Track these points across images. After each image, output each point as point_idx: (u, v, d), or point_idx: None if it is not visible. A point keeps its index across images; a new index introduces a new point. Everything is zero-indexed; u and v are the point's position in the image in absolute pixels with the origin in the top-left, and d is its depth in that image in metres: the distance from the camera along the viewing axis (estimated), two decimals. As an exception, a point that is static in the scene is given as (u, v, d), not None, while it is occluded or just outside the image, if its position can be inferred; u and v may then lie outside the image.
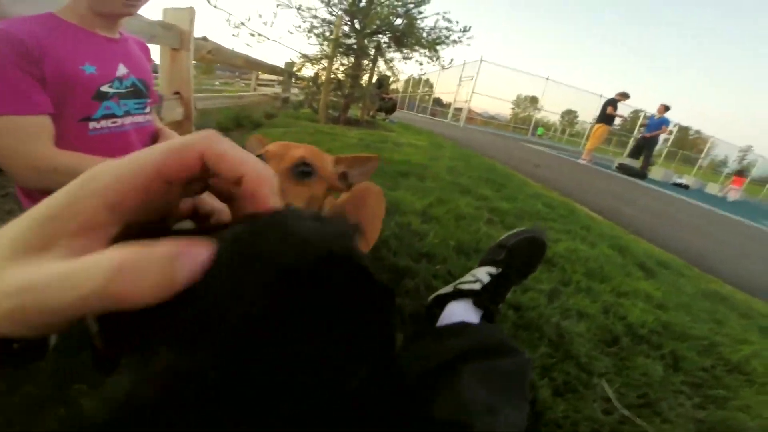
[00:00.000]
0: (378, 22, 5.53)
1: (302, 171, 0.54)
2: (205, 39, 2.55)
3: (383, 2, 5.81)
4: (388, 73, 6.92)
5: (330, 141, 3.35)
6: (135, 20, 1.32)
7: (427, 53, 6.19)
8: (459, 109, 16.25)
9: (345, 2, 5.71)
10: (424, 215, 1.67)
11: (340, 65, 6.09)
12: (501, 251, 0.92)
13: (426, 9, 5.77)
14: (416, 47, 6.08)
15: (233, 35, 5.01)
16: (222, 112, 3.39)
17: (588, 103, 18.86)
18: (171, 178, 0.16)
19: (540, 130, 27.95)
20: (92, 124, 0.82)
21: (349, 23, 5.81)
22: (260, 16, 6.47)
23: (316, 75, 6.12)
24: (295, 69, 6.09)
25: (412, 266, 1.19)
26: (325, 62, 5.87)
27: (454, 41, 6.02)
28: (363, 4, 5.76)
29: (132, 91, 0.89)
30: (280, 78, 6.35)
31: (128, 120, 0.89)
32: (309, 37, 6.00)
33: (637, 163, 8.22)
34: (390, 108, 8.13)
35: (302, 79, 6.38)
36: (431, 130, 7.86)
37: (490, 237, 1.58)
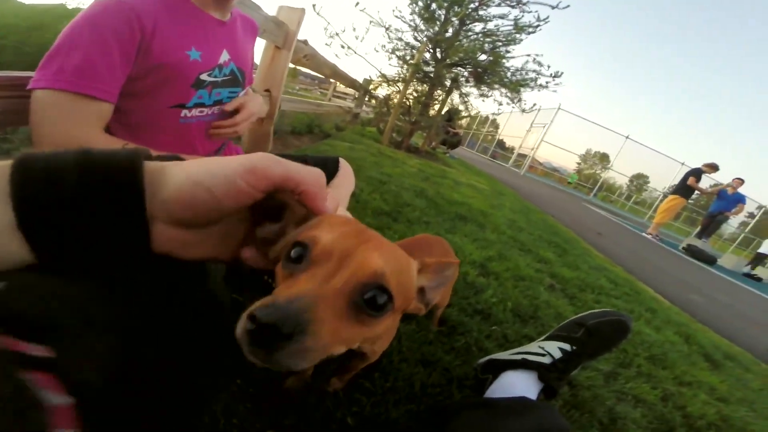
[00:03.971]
0: (461, 54, 5.45)
1: (374, 301, 0.27)
2: (305, 43, 2.68)
3: (470, 36, 5.77)
4: (461, 107, 6.90)
5: (391, 165, 3.35)
6: (254, 12, 1.35)
7: (509, 94, 6.04)
8: (522, 156, 15.80)
9: (431, 30, 5.72)
10: (482, 268, 1.56)
11: (414, 91, 6.16)
12: (578, 329, 0.85)
13: (514, 49, 5.62)
14: (496, 86, 5.93)
15: (326, 44, 5.31)
16: (297, 117, 3.55)
17: (664, 169, 17.13)
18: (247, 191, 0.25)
19: (573, 176, 26.37)
20: (184, 112, 0.80)
21: (431, 51, 5.83)
22: (354, 29, 6.74)
23: (388, 96, 6.25)
24: (371, 87, 6.27)
25: (465, 321, 1.10)
26: (400, 85, 6.00)
27: (541, 86, 5.78)
28: (449, 34, 5.74)
29: (229, 80, 0.87)
30: (355, 94, 6.58)
31: (215, 110, 0.87)
32: (390, 58, 6.16)
33: (707, 245, 7.40)
34: (455, 143, 8.02)
35: (375, 98, 6.55)
36: (491, 174, 7.65)
37: (550, 306, 1.46)
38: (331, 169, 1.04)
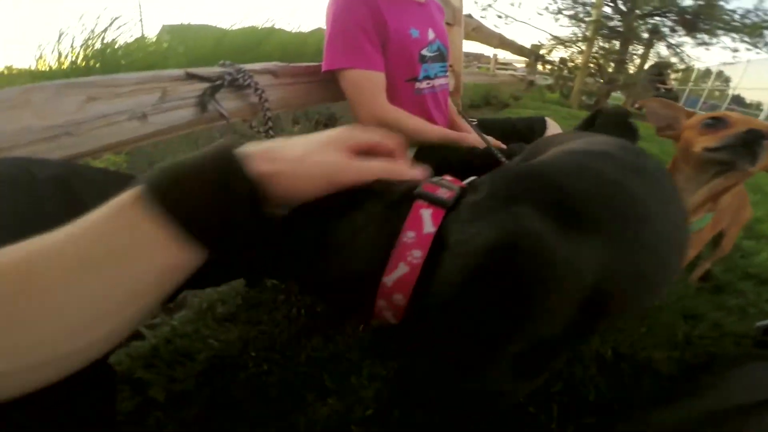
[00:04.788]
0: (655, 3, 4.67)
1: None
2: (470, 17, 2.67)
3: None
4: (673, 59, 5.46)
5: None
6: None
7: (746, 38, 4.64)
8: (778, 109, 11.04)
9: None
10: (748, 230, 1.24)
11: (599, 49, 5.30)
12: None
13: None
14: (720, 32, 4.74)
15: (481, 16, 5.15)
16: (471, 89, 3.56)
17: None
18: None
19: None
20: (417, 85, 0.90)
21: (611, 4, 5.04)
22: None
23: (564, 59, 5.57)
24: (543, 51, 5.70)
25: (734, 282, 0.95)
26: (580, 45, 5.25)
27: None
28: None
29: (438, 55, 0.94)
30: (516, 63, 6.08)
31: (437, 82, 0.96)
32: (557, 19, 5.58)
33: None
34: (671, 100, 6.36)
35: (549, 62, 5.91)
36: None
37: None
38: (539, 129, 1.06)
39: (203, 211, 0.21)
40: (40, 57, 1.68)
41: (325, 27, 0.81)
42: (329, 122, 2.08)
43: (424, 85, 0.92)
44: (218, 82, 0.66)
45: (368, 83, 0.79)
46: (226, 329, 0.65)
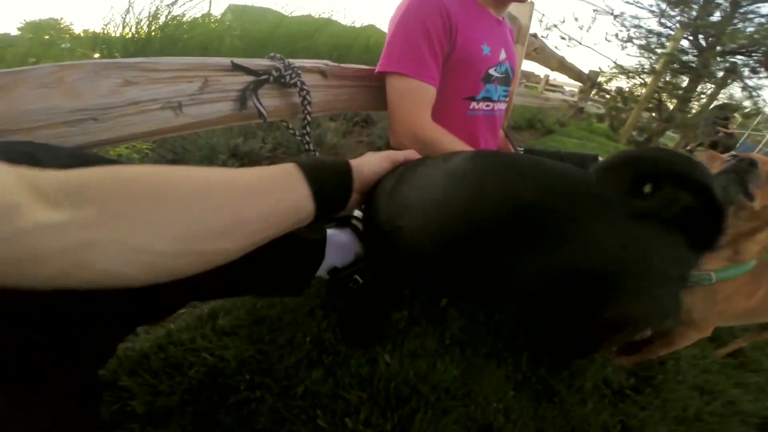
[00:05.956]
0: (743, 41, 4.33)
1: None
2: (535, 36, 2.55)
3: (752, 18, 4.51)
4: (746, 102, 5.06)
5: None
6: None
7: None
8: None
9: (686, 14, 4.66)
10: None
11: (665, 84, 4.98)
12: None
13: None
14: None
15: (542, 36, 4.96)
16: (517, 111, 3.43)
17: None
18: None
19: None
20: (473, 104, 0.83)
21: (689, 38, 4.73)
22: (576, 19, 6.15)
23: (621, 89, 5.27)
24: (601, 79, 5.42)
25: (760, 359, 0.90)
26: (645, 77, 4.95)
27: None
28: (716, 18, 4.55)
29: (503, 78, 0.87)
30: (566, 87, 5.84)
31: (497, 106, 0.88)
32: (624, 48, 5.32)
33: None
34: (728, 146, 5.92)
35: (606, 91, 5.63)
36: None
37: None
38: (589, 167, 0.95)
39: (324, 189, 0.35)
40: (109, 23, 1.72)
41: (383, 26, 0.77)
42: (366, 122, 2.04)
43: (481, 106, 0.85)
44: (264, 77, 0.61)
45: (416, 95, 0.73)
46: (223, 344, 0.61)
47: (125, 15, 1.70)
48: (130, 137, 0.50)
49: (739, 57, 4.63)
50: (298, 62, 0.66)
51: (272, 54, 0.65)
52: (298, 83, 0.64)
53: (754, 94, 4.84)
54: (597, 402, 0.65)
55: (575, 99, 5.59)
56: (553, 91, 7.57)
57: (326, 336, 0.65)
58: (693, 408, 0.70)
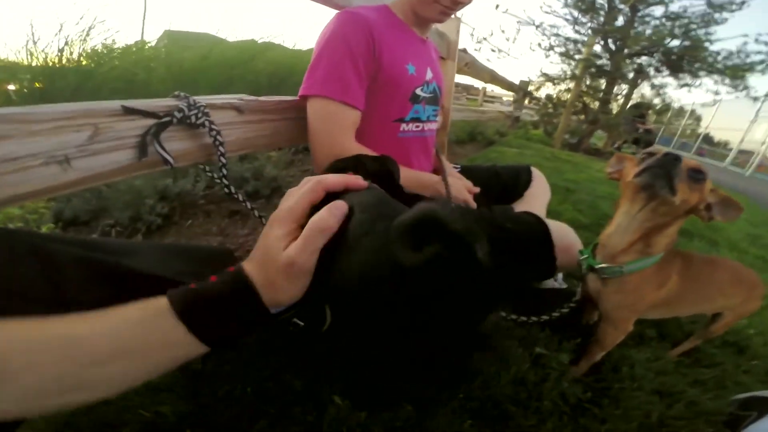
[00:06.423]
0: (644, 42, 4.85)
1: (696, 176, 0.56)
2: (464, 51, 2.68)
3: (649, 21, 5.09)
4: (656, 100, 5.69)
5: (573, 171, 2.95)
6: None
7: (728, 81, 4.88)
8: (746, 152, 11.61)
9: (595, 21, 5.19)
10: None
11: (587, 88, 5.49)
12: None
13: (716, 31, 4.74)
14: (702, 73, 4.97)
15: (475, 49, 5.32)
16: (457, 125, 3.59)
17: None
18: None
19: None
20: (403, 126, 0.82)
21: (601, 43, 5.25)
22: (503, 31, 6.68)
23: (550, 96, 5.74)
24: (531, 88, 5.87)
25: (713, 353, 0.90)
26: (568, 82, 5.43)
27: None
28: (620, 23, 5.12)
29: (431, 98, 0.87)
30: (504, 97, 6.29)
31: (427, 126, 0.88)
32: (548, 56, 5.77)
33: None
34: (649, 141, 6.57)
35: (536, 98, 6.10)
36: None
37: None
38: (523, 180, 1.00)
39: (213, 329, 0.29)
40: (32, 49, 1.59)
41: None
42: (306, 150, 2.01)
43: (411, 127, 0.84)
44: (166, 119, 0.57)
45: (338, 118, 0.71)
46: (159, 400, 0.55)
47: (33, 41, 1.56)
48: (12, 198, 0.44)
49: (644, 58, 5.16)
50: (205, 99, 0.63)
51: (176, 92, 0.62)
52: (206, 123, 0.60)
53: (660, 91, 5.45)
54: (557, 421, 0.63)
55: (512, 109, 6.00)
56: (492, 102, 8.11)
57: (268, 385, 0.60)
58: (655, 414, 0.69)
